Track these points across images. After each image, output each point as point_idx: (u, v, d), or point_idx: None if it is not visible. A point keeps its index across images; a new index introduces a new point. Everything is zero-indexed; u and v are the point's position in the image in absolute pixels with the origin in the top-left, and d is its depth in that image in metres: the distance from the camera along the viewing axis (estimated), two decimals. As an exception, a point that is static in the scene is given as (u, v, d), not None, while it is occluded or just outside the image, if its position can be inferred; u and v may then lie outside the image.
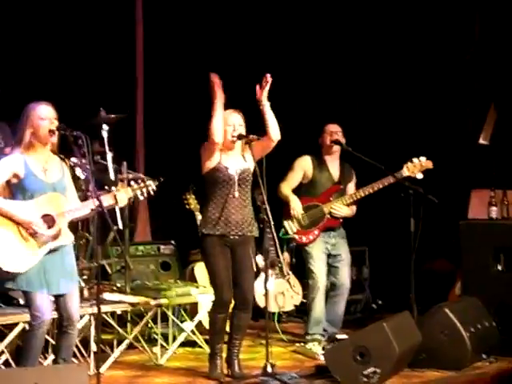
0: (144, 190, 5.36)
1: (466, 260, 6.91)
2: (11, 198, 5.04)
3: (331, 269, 6.95)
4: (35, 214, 4.99)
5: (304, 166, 6.92)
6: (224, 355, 5.94)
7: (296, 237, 6.86)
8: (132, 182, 5.37)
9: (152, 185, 5.38)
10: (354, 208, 6.97)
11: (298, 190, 6.91)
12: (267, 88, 5.83)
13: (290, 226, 6.87)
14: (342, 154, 6.97)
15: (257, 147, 5.82)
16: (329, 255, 6.95)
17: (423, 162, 6.73)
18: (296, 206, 6.82)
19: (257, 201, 5.97)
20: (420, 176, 6.72)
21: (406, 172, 6.72)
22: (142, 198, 5.41)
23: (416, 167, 6.72)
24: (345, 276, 6.97)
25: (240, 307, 5.90)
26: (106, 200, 5.17)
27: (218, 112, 5.74)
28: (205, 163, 5.82)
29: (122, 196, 5.25)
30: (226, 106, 5.87)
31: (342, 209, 6.83)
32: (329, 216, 6.88)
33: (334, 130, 6.91)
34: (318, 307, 6.88)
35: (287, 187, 6.88)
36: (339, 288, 6.95)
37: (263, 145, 5.85)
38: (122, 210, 6.81)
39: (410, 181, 6.72)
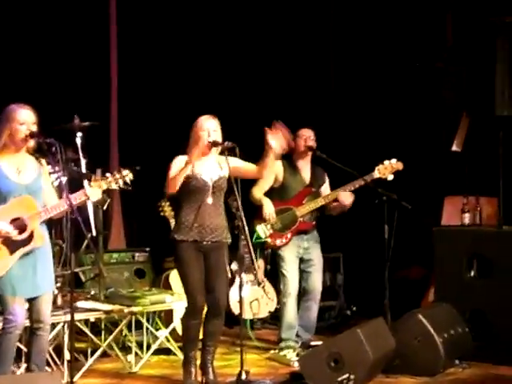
0: (120, 180, 5.31)
1: (439, 266, 6.95)
2: None
3: (303, 274, 6.96)
4: (5, 218, 4.97)
5: (275, 170, 6.93)
6: (198, 362, 5.94)
7: (269, 240, 6.87)
8: (107, 174, 5.33)
9: (128, 175, 5.33)
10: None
11: (270, 194, 6.92)
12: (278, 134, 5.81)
13: (263, 230, 6.87)
14: (314, 156, 6.99)
15: (239, 169, 5.82)
16: (301, 260, 6.96)
17: (394, 163, 6.79)
18: (269, 209, 6.83)
19: (231, 207, 5.96)
20: (391, 177, 6.77)
21: (376, 174, 6.76)
22: (116, 188, 5.36)
23: (387, 169, 6.77)
24: (317, 281, 6.99)
25: (213, 313, 5.89)
26: (78, 197, 5.15)
27: (187, 168, 5.72)
28: (168, 175, 5.80)
29: (93, 191, 5.21)
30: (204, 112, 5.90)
31: (350, 197, 6.80)
32: (301, 219, 6.90)
33: (308, 135, 6.93)
34: (290, 312, 6.89)
35: (259, 191, 6.89)
36: (311, 293, 6.97)
37: (247, 173, 5.88)
38: (95, 216, 6.80)
39: (384, 187, 6.76)
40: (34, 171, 5.15)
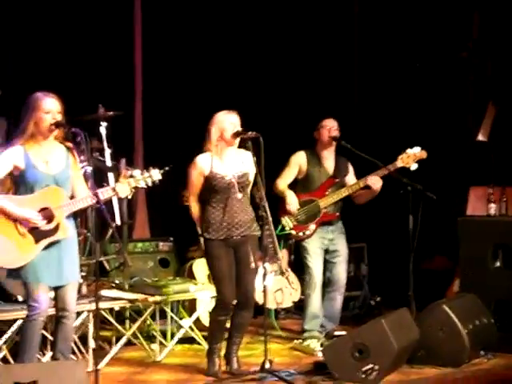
0: (148, 179, 5.33)
1: (464, 257, 6.91)
2: (14, 190, 5.07)
3: (328, 264, 6.96)
4: (33, 208, 5.00)
5: (299, 161, 6.92)
6: (222, 352, 5.96)
7: (293, 232, 6.87)
8: (136, 172, 5.33)
9: (156, 174, 5.35)
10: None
11: (294, 186, 6.92)
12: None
13: (287, 222, 6.87)
14: (338, 147, 6.97)
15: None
16: (326, 251, 6.95)
17: (417, 152, 6.74)
18: (292, 201, 6.82)
19: (255, 198, 5.97)
20: (415, 166, 6.73)
21: (400, 163, 6.73)
22: (144, 187, 5.37)
23: (410, 158, 6.73)
24: (341, 272, 6.98)
25: (242, 306, 5.91)
26: (106, 193, 5.18)
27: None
28: (187, 184, 5.90)
29: (122, 187, 5.23)
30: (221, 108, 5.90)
31: (379, 181, 6.77)
32: (325, 210, 6.88)
33: (331, 125, 6.90)
34: (315, 303, 6.89)
35: (283, 183, 6.88)
36: (335, 284, 6.96)
37: None
38: (120, 206, 6.83)
39: (409, 177, 6.74)
40: (62, 161, 5.15)
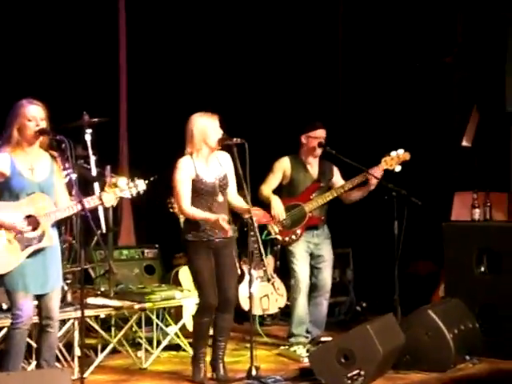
0: (133, 189, 5.33)
1: (449, 262, 6.93)
2: None
3: (313, 270, 6.96)
4: (19, 215, 4.99)
5: (283, 166, 6.92)
6: (208, 358, 5.95)
7: (279, 237, 6.87)
8: (120, 182, 5.33)
9: (141, 184, 5.36)
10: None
11: (279, 191, 6.92)
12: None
13: (273, 227, 6.87)
14: (323, 152, 6.98)
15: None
16: (311, 255, 6.96)
17: (400, 154, 6.78)
18: (277, 206, 6.82)
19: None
20: (398, 168, 6.76)
21: (383, 165, 6.75)
22: (129, 197, 5.37)
23: (393, 160, 6.76)
24: (327, 278, 6.98)
25: (223, 309, 5.91)
26: (92, 201, 5.17)
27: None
28: (176, 191, 5.82)
29: (108, 196, 5.23)
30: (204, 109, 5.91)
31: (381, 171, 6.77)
32: (310, 214, 6.90)
33: (322, 136, 6.90)
34: (301, 307, 6.90)
35: (267, 189, 6.88)
36: (321, 289, 6.96)
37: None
38: (105, 213, 6.80)
39: (394, 182, 6.76)
40: (47, 168, 5.15)
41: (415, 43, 8.39)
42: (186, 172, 5.79)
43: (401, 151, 6.78)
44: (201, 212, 5.75)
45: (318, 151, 6.92)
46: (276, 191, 6.91)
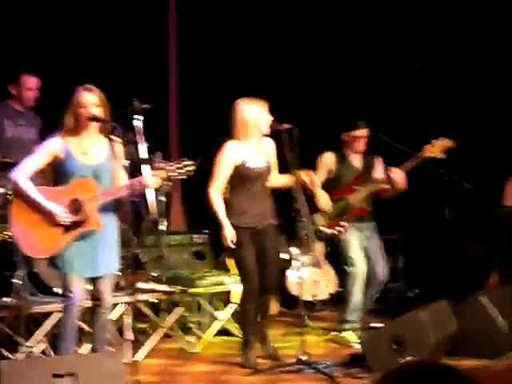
0: (181, 170, 5.32)
1: (503, 248, 6.86)
2: (55, 180, 5.14)
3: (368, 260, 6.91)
4: (64, 199, 5.03)
5: (327, 162, 6.89)
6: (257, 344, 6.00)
7: (326, 230, 6.81)
8: (169, 164, 5.33)
9: (188, 166, 5.35)
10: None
11: (325, 185, 6.88)
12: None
13: (319, 219, 6.84)
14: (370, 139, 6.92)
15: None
16: (362, 247, 6.91)
17: (445, 141, 6.65)
18: (324, 199, 6.77)
19: (292, 191, 5.97)
20: (443, 156, 6.63)
21: (425, 153, 6.62)
22: (178, 177, 5.36)
23: (436, 147, 6.62)
24: (379, 270, 6.91)
25: (263, 291, 5.94)
26: (137, 183, 5.16)
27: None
28: (213, 171, 5.86)
29: (153, 179, 5.21)
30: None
31: (398, 174, 6.69)
32: (355, 206, 6.85)
33: (363, 136, 6.85)
34: (358, 294, 6.83)
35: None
36: (373, 282, 6.89)
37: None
38: (157, 200, 6.83)
39: (446, 168, 6.68)
40: (103, 153, 5.19)
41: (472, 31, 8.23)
42: (230, 156, 5.83)
43: (444, 139, 6.66)
44: (220, 209, 5.83)
45: (361, 147, 6.87)
46: (322, 185, 6.85)
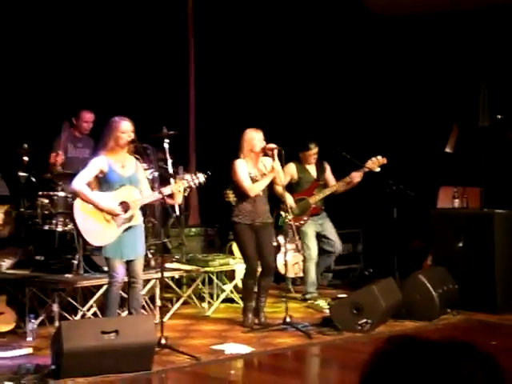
0: (196, 181, 5.35)
1: (435, 239, 6.87)
2: (98, 188, 5.16)
3: (323, 238, 6.94)
4: (114, 202, 5.07)
5: (290, 171, 6.90)
6: (253, 309, 5.98)
7: (291, 223, 6.81)
8: (186, 176, 5.38)
9: (201, 177, 5.37)
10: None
11: (289, 189, 6.89)
12: None
13: (286, 216, 6.84)
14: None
15: None
16: (319, 233, 6.96)
17: (380, 159, 6.70)
18: (290, 200, 6.76)
19: (280, 198, 6.00)
20: (378, 169, 6.67)
21: (367, 165, 6.69)
22: (194, 186, 5.38)
23: (374, 163, 6.69)
24: (335, 240, 6.95)
25: (265, 273, 5.94)
26: (166, 190, 5.21)
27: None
28: (240, 180, 5.82)
29: (178, 187, 5.21)
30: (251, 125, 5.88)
31: (359, 177, 6.70)
32: (313, 205, 6.90)
33: (313, 153, 6.88)
34: (313, 272, 6.90)
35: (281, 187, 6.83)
36: (332, 248, 6.96)
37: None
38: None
39: (393, 179, 6.72)
40: (133, 167, 5.24)
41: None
42: (243, 167, 5.81)
43: (380, 156, 6.71)
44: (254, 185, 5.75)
45: (314, 161, 6.94)
46: (287, 188, 6.80)
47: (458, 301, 6.34)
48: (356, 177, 6.69)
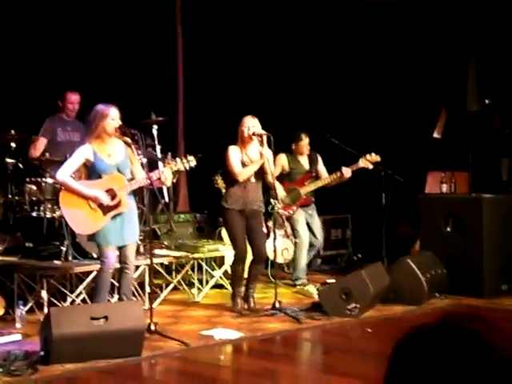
0: (186, 164, 5.31)
1: (423, 224, 6.89)
2: (87, 176, 5.13)
3: (309, 231, 6.98)
4: (100, 189, 5.04)
5: (281, 162, 6.91)
6: (242, 295, 5.98)
7: (281, 211, 6.81)
8: (176, 159, 5.34)
9: (193, 161, 5.34)
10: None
11: (281, 179, 6.89)
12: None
13: (276, 204, 6.84)
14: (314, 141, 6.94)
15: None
16: (308, 223, 6.97)
17: (373, 156, 6.73)
18: (280, 190, 6.75)
19: (270, 187, 5.99)
20: (371, 167, 6.71)
21: (360, 164, 6.70)
22: (186, 168, 5.31)
23: (368, 161, 6.72)
24: (319, 234, 7.03)
25: (256, 261, 5.93)
26: (155, 174, 5.16)
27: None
28: (230, 165, 5.79)
29: (167, 172, 5.18)
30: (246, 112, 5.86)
31: (349, 173, 6.72)
32: (304, 196, 6.90)
33: (305, 144, 6.88)
34: (304, 258, 6.91)
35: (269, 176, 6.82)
36: (315, 243, 7.04)
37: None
38: (167, 187, 6.82)
39: (382, 165, 6.72)
40: (121, 153, 5.18)
41: (400, 63, 8.08)
42: (236, 153, 5.78)
43: (373, 154, 6.73)
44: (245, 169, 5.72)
45: (306, 152, 6.93)
46: (278, 178, 6.79)
47: (447, 285, 6.38)
48: (347, 173, 6.68)
